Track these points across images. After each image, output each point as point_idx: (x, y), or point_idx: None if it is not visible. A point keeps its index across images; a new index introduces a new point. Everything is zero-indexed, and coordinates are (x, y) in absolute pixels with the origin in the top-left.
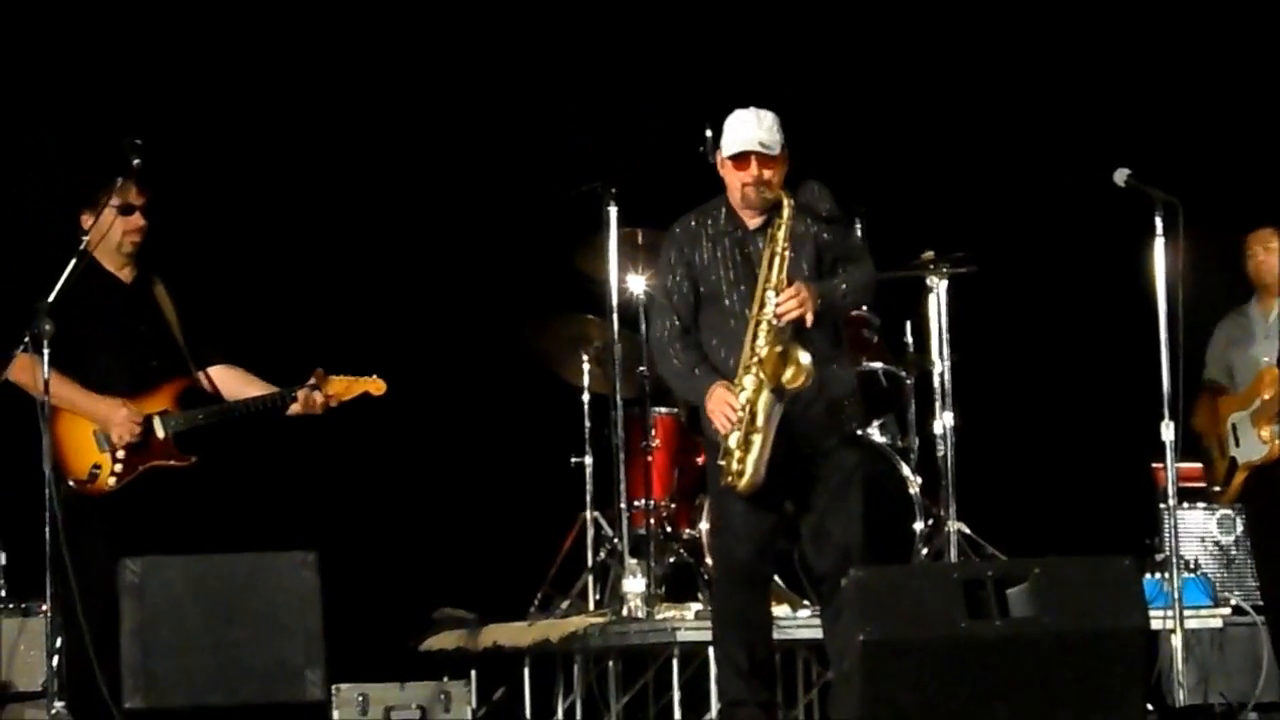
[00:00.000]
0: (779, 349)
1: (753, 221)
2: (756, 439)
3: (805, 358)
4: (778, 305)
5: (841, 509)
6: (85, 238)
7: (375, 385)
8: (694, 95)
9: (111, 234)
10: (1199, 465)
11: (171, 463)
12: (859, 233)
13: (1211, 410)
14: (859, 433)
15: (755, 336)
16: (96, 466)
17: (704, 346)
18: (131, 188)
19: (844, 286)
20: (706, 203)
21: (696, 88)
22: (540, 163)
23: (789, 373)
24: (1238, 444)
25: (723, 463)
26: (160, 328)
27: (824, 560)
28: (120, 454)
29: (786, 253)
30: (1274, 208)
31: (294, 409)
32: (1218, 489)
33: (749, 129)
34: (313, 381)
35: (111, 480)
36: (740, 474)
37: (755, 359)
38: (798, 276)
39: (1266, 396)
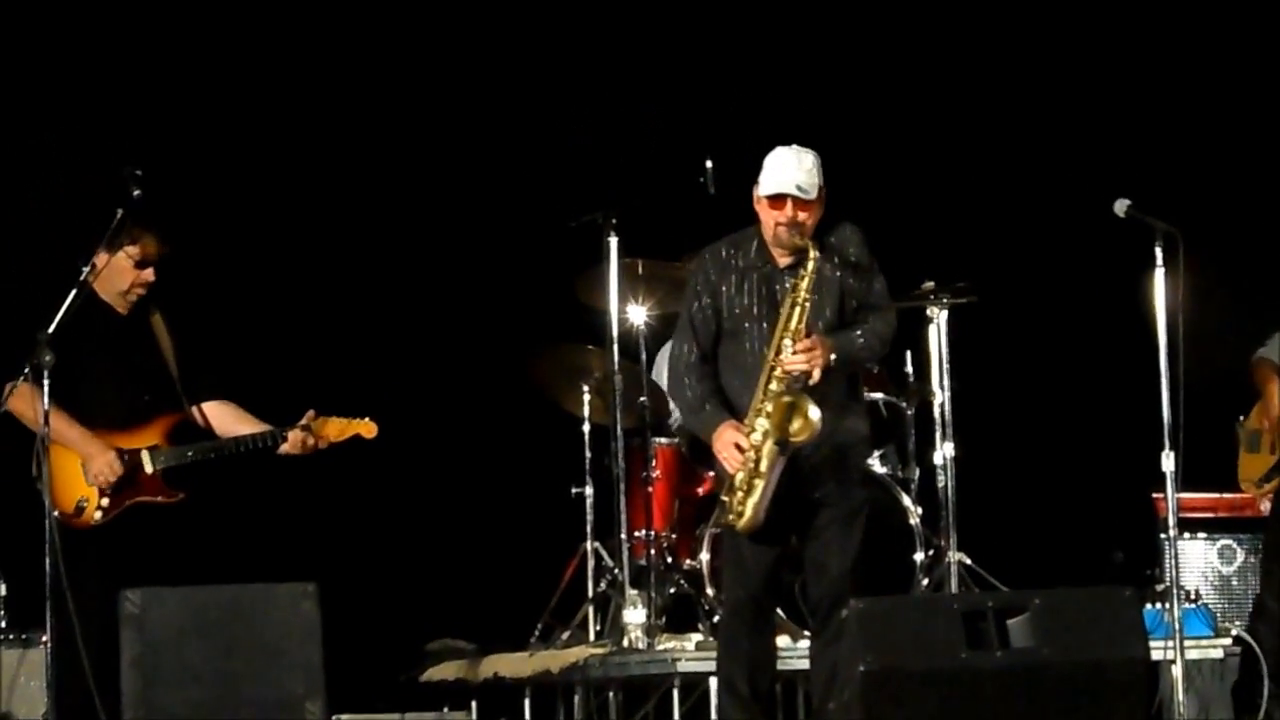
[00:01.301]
0: (788, 399)
1: (783, 260)
2: (759, 484)
3: (814, 412)
4: (787, 360)
5: (840, 544)
6: (85, 269)
7: (367, 428)
8: (694, 126)
9: (120, 280)
10: (1199, 495)
11: (159, 498)
12: (883, 281)
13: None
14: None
15: (768, 381)
16: (83, 500)
17: (720, 377)
18: (153, 241)
19: (860, 341)
20: (739, 232)
21: (697, 118)
22: (541, 194)
23: (795, 425)
24: None
25: (725, 499)
26: (155, 361)
27: (817, 590)
28: (107, 488)
29: (807, 303)
30: (1274, 239)
31: (284, 449)
32: (1259, 481)
33: (788, 170)
34: (304, 422)
35: (98, 514)
36: (740, 515)
37: (765, 404)
38: (820, 321)
39: None
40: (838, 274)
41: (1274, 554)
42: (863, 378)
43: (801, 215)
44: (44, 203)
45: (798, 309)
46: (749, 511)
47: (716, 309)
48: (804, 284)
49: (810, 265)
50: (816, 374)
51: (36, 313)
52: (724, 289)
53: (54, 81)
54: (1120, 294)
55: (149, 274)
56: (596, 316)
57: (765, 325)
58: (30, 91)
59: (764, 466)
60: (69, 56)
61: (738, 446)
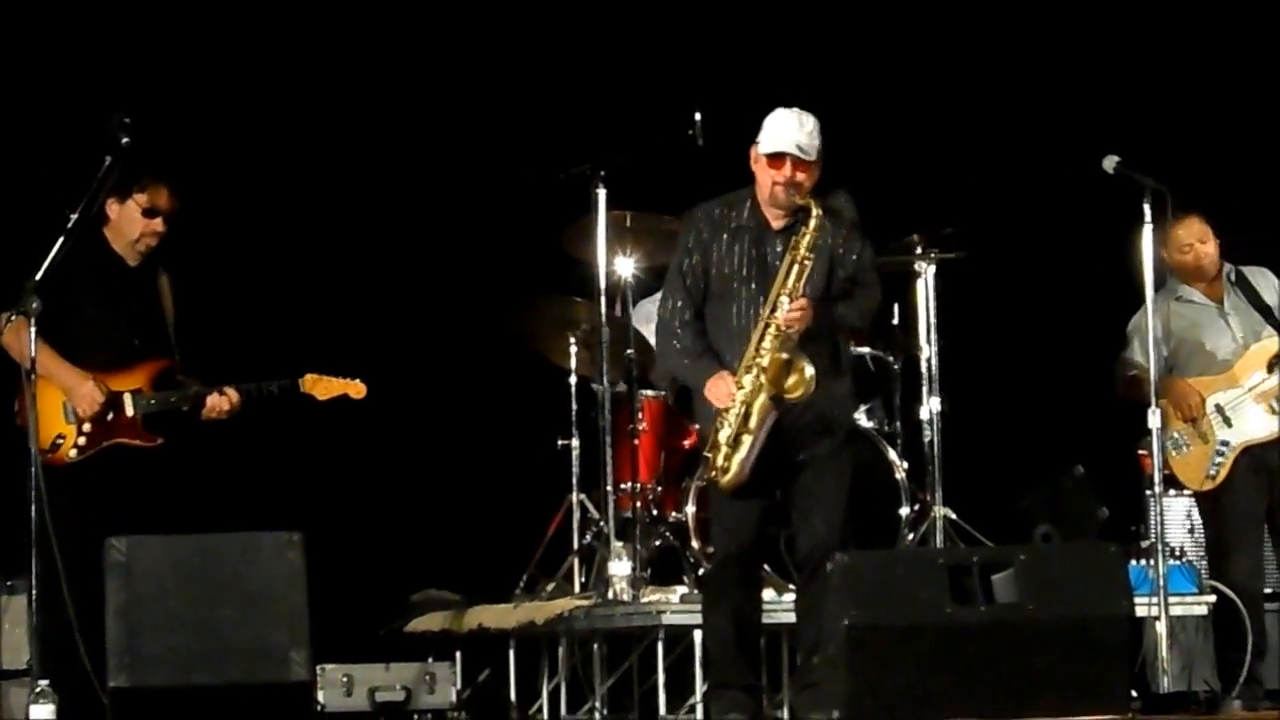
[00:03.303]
0: (785, 356)
1: (776, 222)
2: (746, 440)
3: (809, 370)
4: (783, 316)
5: (826, 501)
6: (74, 216)
7: (355, 388)
8: (682, 78)
9: (130, 229)
10: None
11: (137, 441)
12: (871, 252)
13: (1192, 396)
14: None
15: (762, 338)
16: (60, 437)
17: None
18: (165, 192)
19: (841, 310)
20: (732, 192)
21: (685, 70)
22: (529, 145)
23: (791, 380)
24: (1229, 425)
25: (709, 455)
26: (153, 312)
27: (804, 547)
28: (85, 427)
29: (807, 262)
30: (1260, 195)
31: (205, 411)
32: (1209, 474)
33: (790, 130)
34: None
35: (73, 452)
36: (725, 470)
37: (759, 361)
38: (809, 287)
39: (1268, 373)
40: (829, 240)
41: (1228, 519)
42: (847, 341)
43: (800, 176)
44: (47, 150)
45: (797, 266)
46: (734, 468)
47: (706, 267)
48: (804, 241)
49: (813, 223)
50: (799, 327)
51: (38, 256)
52: (715, 248)
53: (59, 37)
54: (1108, 250)
55: (158, 224)
56: (584, 268)
57: (754, 287)
58: (31, 41)
59: (753, 423)
60: (74, 12)
61: (728, 390)
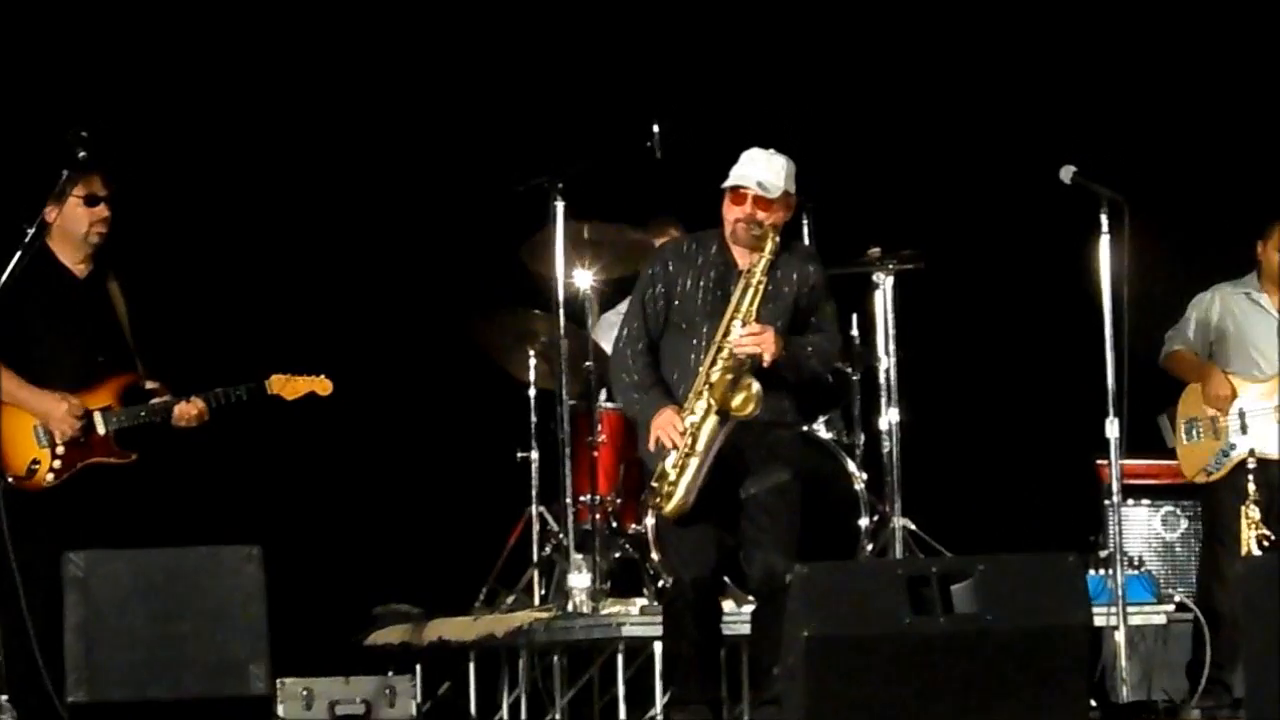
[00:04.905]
0: (730, 376)
1: (743, 260)
2: (693, 463)
3: (757, 386)
4: (736, 341)
5: (779, 537)
6: (30, 230)
7: (322, 385)
8: (642, 90)
9: (77, 225)
10: (1142, 462)
11: (111, 459)
12: (834, 306)
13: (1225, 389)
14: (806, 430)
15: (713, 362)
16: (35, 462)
17: (660, 368)
18: (97, 179)
19: (809, 350)
20: (704, 230)
21: (645, 83)
22: (487, 157)
23: (738, 399)
24: (1244, 431)
25: (655, 485)
26: (110, 324)
27: (755, 581)
28: (60, 450)
29: (761, 285)
30: (1219, 206)
31: (174, 419)
32: (1207, 470)
33: (753, 166)
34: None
35: (50, 476)
36: (669, 496)
37: (707, 384)
38: (764, 313)
39: None
40: (794, 290)
41: (1222, 521)
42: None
43: (761, 214)
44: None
45: (750, 290)
46: (680, 493)
47: (669, 300)
48: (759, 266)
49: (768, 246)
50: (768, 358)
51: None
52: (680, 281)
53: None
54: (1065, 260)
55: (102, 210)
56: (542, 281)
57: (716, 322)
58: None
59: (700, 445)
60: (18, 17)
61: (675, 428)
